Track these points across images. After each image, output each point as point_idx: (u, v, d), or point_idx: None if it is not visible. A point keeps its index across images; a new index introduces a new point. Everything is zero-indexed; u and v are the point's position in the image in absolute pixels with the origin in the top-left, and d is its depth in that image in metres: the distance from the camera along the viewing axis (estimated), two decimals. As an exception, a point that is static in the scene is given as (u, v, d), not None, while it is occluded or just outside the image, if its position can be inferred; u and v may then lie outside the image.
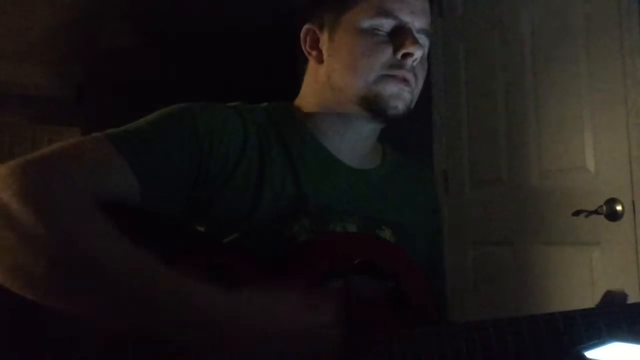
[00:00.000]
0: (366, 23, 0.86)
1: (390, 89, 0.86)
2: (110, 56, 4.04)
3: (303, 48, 0.95)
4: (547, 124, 1.92)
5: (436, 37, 2.38)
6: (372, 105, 0.87)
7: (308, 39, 0.94)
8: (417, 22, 0.88)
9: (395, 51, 0.86)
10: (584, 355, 0.62)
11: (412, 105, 0.90)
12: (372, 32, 0.86)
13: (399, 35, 0.86)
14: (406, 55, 0.85)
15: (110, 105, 4.09)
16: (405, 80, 0.87)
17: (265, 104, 0.95)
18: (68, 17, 3.54)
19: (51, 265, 0.60)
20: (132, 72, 4.24)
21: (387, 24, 0.87)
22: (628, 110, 1.67)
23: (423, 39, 0.89)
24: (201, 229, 0.83)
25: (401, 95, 0.87)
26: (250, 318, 0.64)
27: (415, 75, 0.88)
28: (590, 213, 1.69)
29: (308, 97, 0.95)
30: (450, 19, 2.36)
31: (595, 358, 0.62)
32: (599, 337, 0.66)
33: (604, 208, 1.67)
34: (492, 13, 2.17)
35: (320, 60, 0.92)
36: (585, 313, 0.69)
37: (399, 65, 0.86)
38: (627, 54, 1.68)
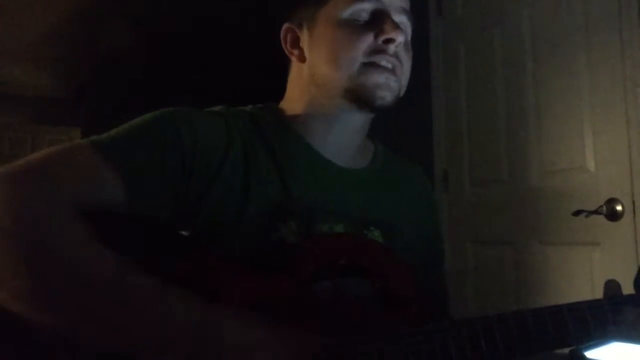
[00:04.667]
0: (344, 13, 0.85)
1: (374, 78, 0.84)
2: (110, 56, 4.04)
3: (284, 48, 0.93)
4: (547, 124, 1.92)
5: (436, 37, 2.38)
6: (358, 97, 0.85)
7: (288, 38, 0.93)
8: (395, 2, 0.86)
9: (376, 37, 0.84)
10: (584, 355, 0.62)
11: (402, 93, 0.88)
12: (351, 21, 0.85)
13: (378, 21, 0.84)
14: (388, 41, 0.84)
15: (110, 105, 4.09)
16: (390, 70, 0.85)
17: (250, 106, 0.94)
18: (68, 17, 3.54)
19: (27, 274, 0.61)
20: (132, 72, 4.23)
21: (365, 11, 0.85)
22: (628, 111, 1.67)
23: (404, 21, 0.88)
24: (186, 234, 0.83)
25: (387, 85, 0.85)
26: (221, 345, 0.62)
27: (399, 61, 0.86)
28: (590, 213, 1.69)
29: (293, 97, 0.94)
30: (450, 19, 2.36)
31: (595, 358, 0.62)
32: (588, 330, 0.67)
33: (604, 208, 1.67)
34: (492, 13, 2.17)
35: (302, 58, 0.91)
36: (572, 307, 0.70)
37: (381, 51, 0.84)
38: (627, 54, 1.68)
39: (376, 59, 0.84)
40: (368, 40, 0.84)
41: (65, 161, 0.73)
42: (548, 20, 1.94)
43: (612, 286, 0.75)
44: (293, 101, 0.93)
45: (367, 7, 0.85)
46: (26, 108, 4.96)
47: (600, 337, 0.65)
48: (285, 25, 0.93)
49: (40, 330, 0.61)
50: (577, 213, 1.71)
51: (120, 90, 4.43)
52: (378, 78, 0.84)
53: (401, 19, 0.87)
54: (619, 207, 1.66)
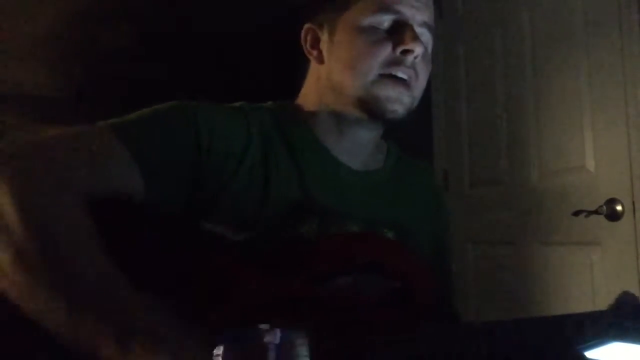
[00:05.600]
0: (365, 21, 0.85)
1: (388, 92, 0.84)
2: (110, 56, 4.04)
3: (304, 48, 0.94)
4: (547, 124, 1.92)
5: (436, 37, 2.38)
6: (370, 108, 0.85)
7: (309, 38, 0.93)
8: (418, 15, 0.86)
9: (394, 47, 0.83)
10: (584, 355, 0.62)
11: (414, 106, 0.88)
12: (371, 29, 0.85)
13: (399, 31, 0.84)
14: (406, 52, 0.83)
15: (110, 105, 4.08)
16: (404, 83, 0.84)
17: (269, 102, 0.94)
18: (68, 17, 3.54)
19: (17, 256, 0.60)
20: (132, 72, 4.23)
21: (386, 20, 0.85)
22: (628, 110, 1.67)
23: (425, 34, 0.88)
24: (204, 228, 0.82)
25: (400, 99, 0.85)
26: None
27: (416, 73, 0.86)
28: (590, 213, 1.69)
29: (309, 97, 0.94)
30: (450, 19, 2.36)
31: (595, 358, 0.62)
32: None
33: (604, 208, 1.67)
34: (492, 13, 2.17)
35: (320, 60, 0.91)
36: (593, 317, 0.69)
37: (399, 62, 0.84)
38: (627, 54, 1.68)
39: (393, 70, 0.84)
40: (386, 50, 0.84)
41: (82, 143, 0.73)
42: (548, 20, 1.93)
43: (627, 299, 0.73)
44: (309, 101, 0.93)
45: (389, 17, 0.85)
46: (26, 108, 4.95)
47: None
48: (307, 25, 0.93)
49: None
50: (577, 213, 1.71)
51: (120, 90, 4.43)
52: (391, 91, 0.84)
53: (422, 31, 0.87)
54: (619, 207, 1.66)
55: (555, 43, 1.90)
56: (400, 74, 0.84)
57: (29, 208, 0.62)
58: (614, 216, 1.66)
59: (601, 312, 0.70)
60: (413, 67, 0.85)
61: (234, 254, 0.77)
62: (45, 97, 4.89)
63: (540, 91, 1.95)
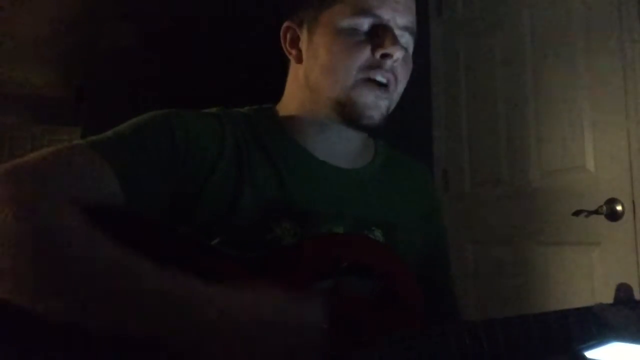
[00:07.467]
0: (345, 22, 0.83)
1: (366, 97, 0.83)
2: (110, 56, 4.04)
3: (283, 46, 0.93)
4: (547, 124, 1.92)
5: (436, 37, 2.38)
6: (346, 112, 0.84)
7: (288, 37, 0.92)
8: (399, 19, 0.84)
9: (373, 51, 0.83)
10: (584, 355, 0.62)
11: (390, 111, 0.87)
12: (351, 31, 0.83)
13: (378, 35, 0.83)
14: (385, 56, 0.83)
15: (110, 105, 4.09)
16: (383, 86, 0.84)
17: (247, 107, 0.94)
18: (68, 17, 3.54)
19: (29, 266, 0.60)
20: (132, 72, 4.23)
21: (366, 23, 0.83)
22: (628, 110, 1.67)
23: (406, 37, 0.87)
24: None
25: (377, 104, 0.84)
26: (233, 310, 0.62)
27: (395, 77, 0.85)
28: (590, 213, 1.69)
29: (289, 98, 0.94)
30: (450, 19, 2.36)
31: (595, 358, 0.62)
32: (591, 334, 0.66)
33: (604, 208, 1.67)
34: (492, 13, 2.17)
35: (299, 59, 0.90)
36: (579, 313, 0.69)
37: (378, 66, 0.83)
38: (627, 54, 1.68)
39: (371, 73, 0.83)
40: (365, 53, 0.83)
41: (63, 160, 0.73)
42: (548, 20, 1.93)
43: (625, 289, 0.75)
44: (288, 102, 0.93)
45: (369, 20, 0.84)
46: (26, 108, 4.96)
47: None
48: (286, 24, 0.92)
49: (44, 321, 0.61)
50: (577, 213, 1.70)
51: (120, 90, 4.43)
52: (368, 97, 0.83)
53: (402, 34, 0.86)
54: (619, 207, 1.66)
55: (555, 44, 1.90)
56: (379, 78, 0.83)
57: (28, 217, 0.63)
58: (614, 216, 1.66)
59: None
60: (392, 71, 0.84)
61: (216, 256, 0.77)
62: (45, 97, 4.90)
63: (540, 91, 1.95)
